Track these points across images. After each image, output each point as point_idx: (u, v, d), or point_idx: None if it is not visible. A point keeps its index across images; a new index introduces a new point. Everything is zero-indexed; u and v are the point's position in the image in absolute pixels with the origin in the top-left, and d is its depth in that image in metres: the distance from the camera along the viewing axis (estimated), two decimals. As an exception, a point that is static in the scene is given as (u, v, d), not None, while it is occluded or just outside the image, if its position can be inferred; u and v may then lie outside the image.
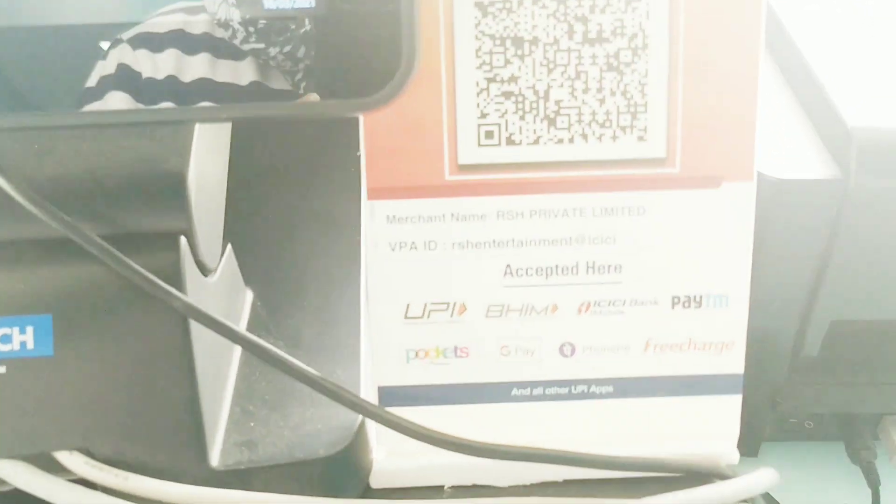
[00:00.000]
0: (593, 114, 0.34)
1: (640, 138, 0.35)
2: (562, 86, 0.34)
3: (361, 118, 0.34)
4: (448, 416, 0.37)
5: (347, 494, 0.36)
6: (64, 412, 0.33)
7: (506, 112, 0.34)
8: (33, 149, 0.33)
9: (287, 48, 0.29)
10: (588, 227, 0.36)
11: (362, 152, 0.34)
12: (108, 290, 0.33)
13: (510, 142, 0.35)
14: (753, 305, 0.37)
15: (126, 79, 0.29)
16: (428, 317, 0.36)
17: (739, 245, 0.36)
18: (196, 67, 0.29)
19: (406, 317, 0.36)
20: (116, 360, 0.33)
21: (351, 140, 0.35)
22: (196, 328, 0.33)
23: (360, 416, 0.37)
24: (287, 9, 0.28)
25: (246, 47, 0.29)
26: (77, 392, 0.33)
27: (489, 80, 0.34)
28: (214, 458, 0.35)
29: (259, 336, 0.34)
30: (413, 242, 0.35)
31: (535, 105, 0.34)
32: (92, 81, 0.29)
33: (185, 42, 0.29)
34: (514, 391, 0.37)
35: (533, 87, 0.34)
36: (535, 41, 0.34)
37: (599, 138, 0.35)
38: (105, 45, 0.29)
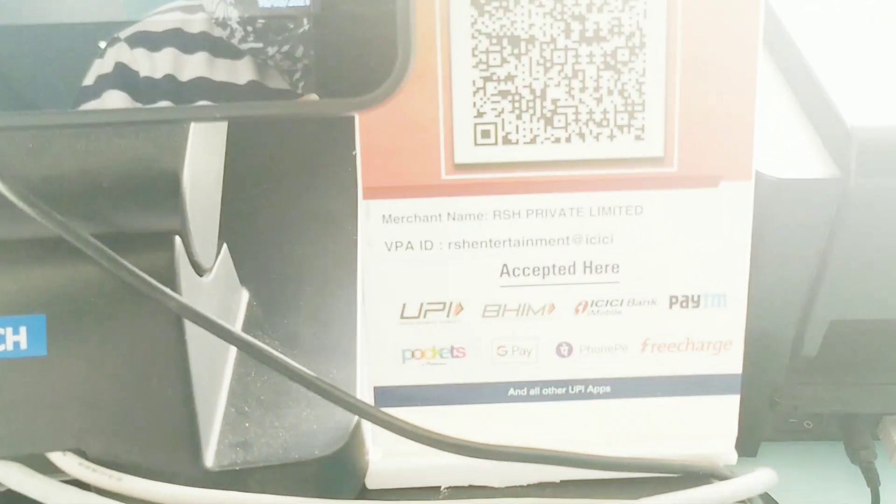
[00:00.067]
0: (590, 113, 0.34)
1: (638, 137, 0.35)
2: (559, 85, 0.34)
3: (357, 117, 0.34)
4: (444, 416, 0.37)
5: (343, 495, 0.36)
6: (57, 413, 0.33)
7: (502, 111, 0.34)
8: (27, 147, 0.33)
9: (285, 48, 0.29)
10: (585, 227, 0.35)
11: (358, 152, 0.34)
12: (103, 290, 0.33)
13: (507, 141, 0.34)
14: (753, 305, 0.37)
15: (124, 78, 0.29)
16: (424, 317, 0.36)
17: (737, 245, 0.36)
18: (194, 66, 0.29)
19: (402, 317, 0.36)
20: (110, 361, 0.33)
21: (348, 139, 0.35)
22: (191, 328, 0.33)
23: (356, 417, 0.36)
24: (281, 7, 0.28)
25: (244, 46, 0.29)
26: (71, 392, 0.33)
27: (486, 79, 0.34)
28: (209, 459, 0.35)
29: (254, 336, 0.34)
30: (409, 242, 0.35)
31: (531, 104, 0.34)
32: (89, 80, 0.29)
33: (183, 41, 0.29)
34: (511, 391, 0.37)
35: (530, 85, 0.34)
36: (531, 40, 0.34)
37: (597, 137, 0.35)
38: (103, 43, 0.29)
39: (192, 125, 0.34)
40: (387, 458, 0.37)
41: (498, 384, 0.37)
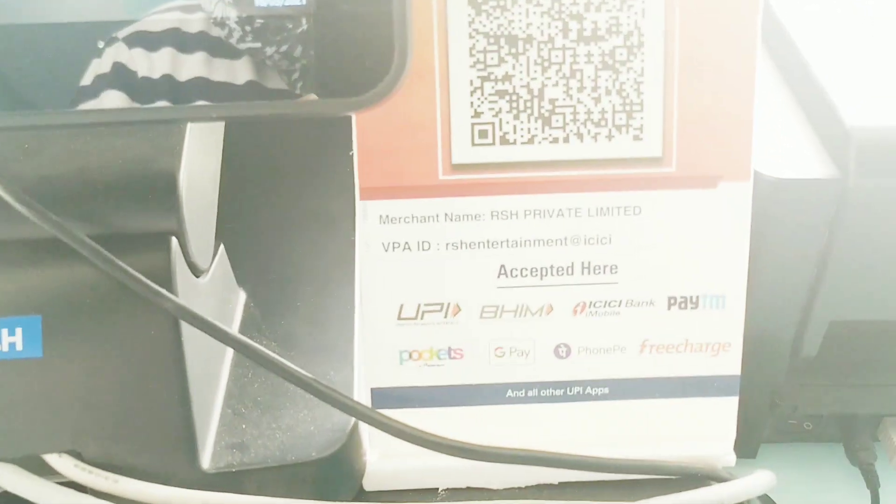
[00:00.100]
0: (588, 113, 0.34)
1: (636, 137, 0.34)
2: (556, 84, 0.34)
3: (353, 117, 0.33)
4: (442, 418, 0.37)
5: (340, 497, 0.36)
6: (53, 414, 0.33)
7: (500, 111, 0.34)
8: (23, 148, 0.33)
9: (284, 48, 0.29)
10: (583, 227, 0.35)
11: (354, 152, 0.34)
12: (98, 291, 0.33)
13: (504, 141, 0.34)
14: (752, 306, 0.36)
15: (122, 77, 0.29)
16: (421, 318, 0.36)
17: (736, 245, 0.36)
18: (192, 66, 0.29)
19: (399, 318, 0.36)
20: (106, 362, 0.33)
21: (345, 140, 0.34)
22: (187, 329, 0.33)
23: (353, 419, 0.36)
24: (277, 6, 0.28)
25: (242, 46, 0.29)
26: (66, 394, 0.33)
27: (483, 79, 0.34)
28: (205, 461, 0.34)
29: (251, 337, 0.34)
30: (406, 243, 0.35)
31: (529, 104, 0.34)
32: (87, 80, 0.29)
33: (181, 41, 0.29)
34: (509, 393, 0.37)
35: (527, 85, 0.34)
36: (529, 39, 0.33)
37: (595, 137, 0.34)
38: (101, 43, 0.29)
39: (189, 125, 0.34)
40: (384, 460, 0.37)
41: (496, 385, 0.37)
